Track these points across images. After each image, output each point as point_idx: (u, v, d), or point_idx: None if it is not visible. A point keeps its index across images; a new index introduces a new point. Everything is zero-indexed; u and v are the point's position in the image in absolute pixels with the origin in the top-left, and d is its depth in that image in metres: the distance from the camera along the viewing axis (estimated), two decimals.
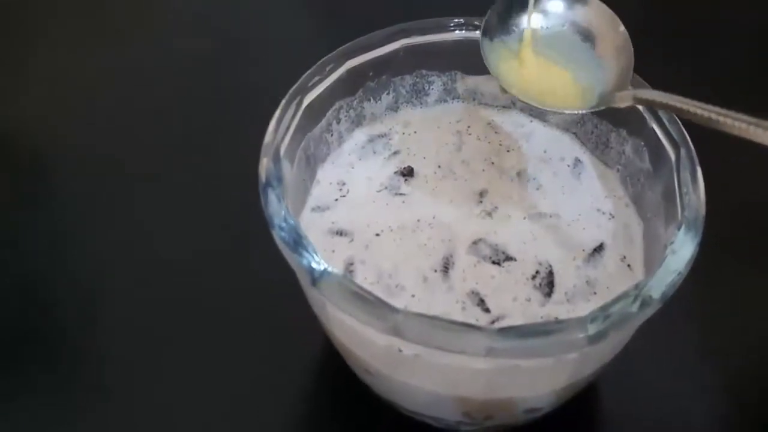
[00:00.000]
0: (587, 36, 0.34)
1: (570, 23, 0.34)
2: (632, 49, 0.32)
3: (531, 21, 0.34)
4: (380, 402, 0.34)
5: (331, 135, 0.36)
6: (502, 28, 0.34)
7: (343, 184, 0.35)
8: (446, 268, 0.32)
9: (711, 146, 0.32)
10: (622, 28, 0.33)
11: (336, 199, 0.34)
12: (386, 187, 0.35)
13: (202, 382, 0.36)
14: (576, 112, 0.32)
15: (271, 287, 0.38)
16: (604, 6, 0.33)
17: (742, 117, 0.28)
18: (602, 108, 0.32)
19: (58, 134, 0.47)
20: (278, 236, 0.28)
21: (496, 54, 0.34)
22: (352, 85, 0.35)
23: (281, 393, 0.36)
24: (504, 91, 0.32)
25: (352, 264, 0.32)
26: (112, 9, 0.55)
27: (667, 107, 0.31)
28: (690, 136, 0.32)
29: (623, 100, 0.32)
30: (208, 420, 0.36)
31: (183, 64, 0.51)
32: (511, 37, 0.34)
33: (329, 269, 0.27)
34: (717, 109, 0.29)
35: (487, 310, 0.30)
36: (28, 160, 0.46)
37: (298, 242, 0.28)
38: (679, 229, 0.29)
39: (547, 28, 0.34)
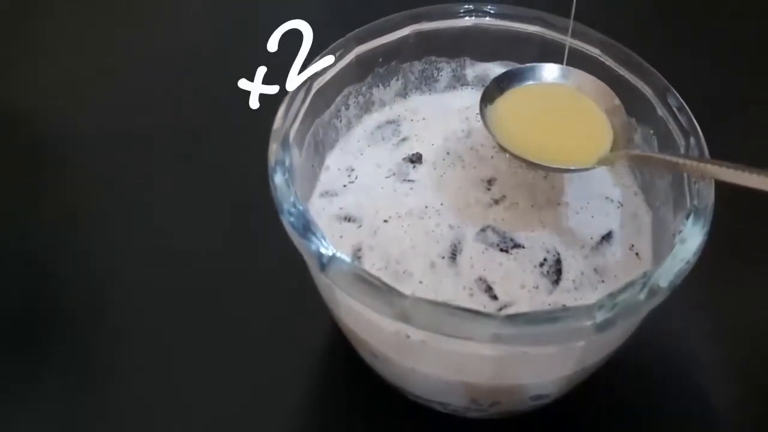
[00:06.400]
0: (583, 101, 0.34)
1: (567, 91, 0.34)
2: (626, 113, 0.32)
3: (528, 89, 0.34)
4: (387, 387, 0.34)
5: (340, 121, 0.36)
6: (501, 93, 0.34)
7: (352, 170, 0.35)
8: (454, 254, 0.32)
9: (720, 135, 0.32)
10: (617, 100, 0.33)
11: (344, 185, 0.34)
12: (394, 174, 0.35)
13: (209, 374, 0.36)
14: (573, 169, 0.32)
15: (274, 280, 0.39)
16: (596, 79, 0.34)
17: (733, 165, 0.28)
18: (599, 167, 0.32)
19: (61, 124, 0.47)
20: (287, 222, 0.28)
21: (495, 116, 0.33)
22: (362, 71, 0.35)
23: (288, 381, 0.36)
24: (503, 149, 0.32)
25: (360, 250, 0.32)
26: None
27: (658, 162, 0.31)
28: (699, 125, 0.31)
29: (619, 159, 0.32)
30: (217, 407, 0.36)
31: (184, 55, 0.50)
32: (508, 101, 0.34)
33: (338, 255, 0.27)
34: (708, 160, 0.30)
35: (494, 297, 0.30)
36: (36, 147, 0.46)
37: (307, 228, 0.28)
38: (687, 218, 0.29)
39: (544, 93, 0.34)
